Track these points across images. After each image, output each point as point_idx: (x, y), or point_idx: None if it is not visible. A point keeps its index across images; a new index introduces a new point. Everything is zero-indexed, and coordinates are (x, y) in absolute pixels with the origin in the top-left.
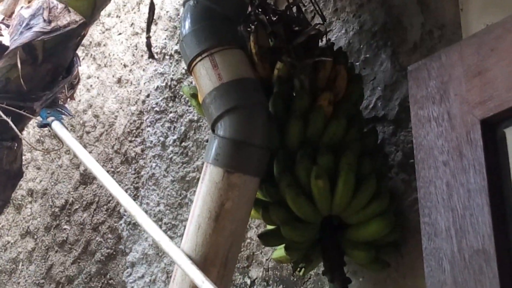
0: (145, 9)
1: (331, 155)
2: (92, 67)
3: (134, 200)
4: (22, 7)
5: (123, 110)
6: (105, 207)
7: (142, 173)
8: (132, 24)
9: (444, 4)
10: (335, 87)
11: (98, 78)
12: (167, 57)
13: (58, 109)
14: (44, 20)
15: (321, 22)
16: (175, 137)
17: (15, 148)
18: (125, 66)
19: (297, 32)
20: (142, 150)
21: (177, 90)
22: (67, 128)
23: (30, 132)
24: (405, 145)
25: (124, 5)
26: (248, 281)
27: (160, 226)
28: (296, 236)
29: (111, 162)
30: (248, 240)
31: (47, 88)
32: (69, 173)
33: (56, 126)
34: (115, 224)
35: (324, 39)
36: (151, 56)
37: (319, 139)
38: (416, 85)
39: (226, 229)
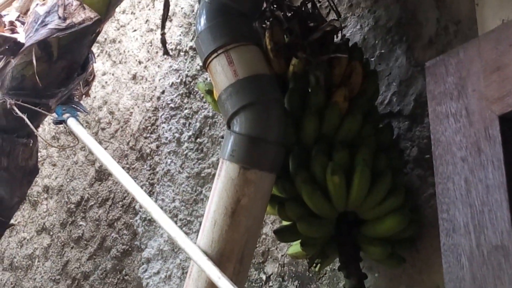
0: (159, 6)
1: (347, 151)
2: (107, 64)
3: (150, 196)
4: (37, 4)
5: (138, 107)
6: (120, 203)
7: (157, 169)
8: (147, 20)
9: None
10: (350, 83)
11: (113, 74)
12: (182, 53)
13: (73, 105)
14: (59, 17)
15: (336, 18)
16: (190, 133)
17: (31, 144)
18: (140, 62)
19: (312, 28)
20: (157, 147)
21: (192, 87)
22: (82, 125)
23: (46, 129)
24: (421, 140)
25: (139, 2)
26: (264, 277)
27: (176, 222)
28: (311, 232)
29: (126, 158)
30: (264, 236)
31: (62, 85)
32: (85, 170)
33: (72, 122)
34: (131, 220)
35: (339, 35)
36: (166, 52)
37: (334, 135)
38: (434, 81)
39: (242, 225)
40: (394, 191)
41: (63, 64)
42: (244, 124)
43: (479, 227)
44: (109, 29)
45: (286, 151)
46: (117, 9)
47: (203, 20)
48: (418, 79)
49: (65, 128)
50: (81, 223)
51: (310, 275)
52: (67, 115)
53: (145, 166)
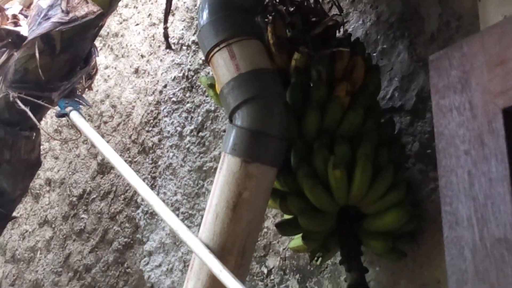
0: (162, 0)
1: (348, 146)
2: (110, 58)
3: (151, 189)
4: None
5: (140, 100)
6: (122, 196)
7: (159, 163)
8: (150, 14)
9: None
10: (352, 78)
11: (115, 68)
12: (184, 47)
13: (76, 99)
14: (62, 11)
15: (338, 13)
16: (192, 127)
17: (33, 137)
18: (142, 56)
19: (315, 23)
20: (159, 140)
21: (194, 81)
22: (85, 118)
23: (48, 122)
24: (422, 135)
25: None
26: (265, 270)
27: (177, 216)
28: (313, 226)
29: (128, 152)
30: (265, 230)
31: (65, 78)
32: (87, 163)
33: (74, 116)
34: (133, 214)
35: (341, 30)
36: (168, 46)
37: (336, 129)
38: (437, 75)
39: (243, 219)
40: (395, 186)
41: (66, 58)
42: (246, 118)
43: (482, 220)
44: (111, 23)
45: (287, 145)
46: (120, 3)
47: (205, 14)
48: (420, 74)
49: (67, 121)
50: (83, 216)
51: (312, 268)
52: (70, 108)
53: (147, 160)
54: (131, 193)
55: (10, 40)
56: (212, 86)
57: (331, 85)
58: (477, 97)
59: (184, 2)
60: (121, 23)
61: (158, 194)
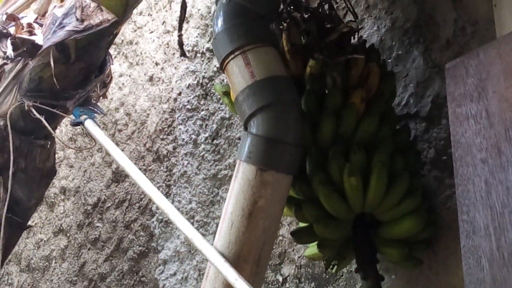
0: (176, 8)
1: (364, 153)
2: (124, 66)
3: (166, 197)
4: (55, 6)
5: (155, 108)
6: (137, 205)
7: (174, 170)
8: (164, 22)
9: (477, 0)
10: (367, 85)
11: (130, 76)
12: (198, 55)
13: (90, 107)
14: (77, 19)
15: (353, 19)
16: (206, 134)
17: (48, 146)
18: (156, 64)
19: (329, 30)
20: (174, 148)
21: (209, 88)
22: (99, 126)
23: (63, 130)
24: (438, 142)
25: (156, 4)
26: (280, 279)
27: (192, 224)
28: (328, 234)
29: (143, 160)
30: (280, 238)
31: (79, 86)
32: (101, 171)
33: (89, 124)
34: (147, 222)
35: (356, 36)
36: (182, 54)
37: (351, 136)
38: (454, 83)
39: (259, 227)
40: (411, 193)
41: (80, 66)
42: (261, 126)
43: (500, 229)
44: (126, 31)
45: (303, 153)
46: (134, 11)
47: (220, 22)
48: (435, 80)
49: (82, 129)
50: (98, 224)
51: (327, 276)
52: (85, 116)
53: (162, 168)
54: (146, 202)
55: (25, 49)
56: (227, 93)
57: (346, 92)
58: (494, 105)
59: (199, 10)
60: (135, 30)
61: (173, 202)
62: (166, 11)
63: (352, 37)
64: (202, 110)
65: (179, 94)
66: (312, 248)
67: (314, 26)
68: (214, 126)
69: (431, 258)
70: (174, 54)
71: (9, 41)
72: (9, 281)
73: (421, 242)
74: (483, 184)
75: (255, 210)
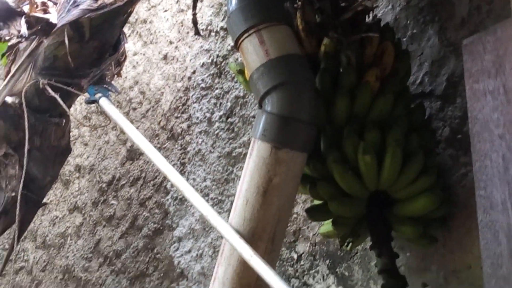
0: None
1: (378, 131)
2: (138, 44)
3: (181, 176)
4: None
5: (169, 87)
6: (151, 182)
7: (189, 149)
8: (178, 1)
9: None
10: (382, 63)
11: (144, 55)
12: (212, 33)
13: (105, 85)
14: None
15: None
16: (221, 113)
17: (63, 124)
18: (171, 43)
19: (344, 8)
20: (188, 126)
21: (223, 67)
22: (114, 105)
23: (77, 108)
24: (453, 120)
25: None
26: (295, 256)
27: (207, 202)
28: (343, 211)
29: (157, 138)
30: (295, 215)
31: (94, 65)
32: (116, 149)
33: (104, 102)
34: (162, 200)
35: (370, 15)
36: (197, 32)
37: (366, 115)
38: (471, 59)
39: (273, 204)
40: (426, 171)
41: (94, 45)
42: (276, 104)
43: None
44: (140, 10)
45: (317, 131)
46: None
47: (234, 0)
48: (450, 59)
49: (96, 108)
50: (112, 202)
51: (342, 254)
52: (99, 95)
53: (176, 146)
54: (161, 179)
55: (39, 27)
56: (241, 72)
57: (361, 71)
58: (511, 81)
59: None
60: (149, 9)
61: (187, 180)
62: None
63: (366, 16)
64: (217, 88)
65: (193, 72)
66: (326, 226)
67: (329, 4)
68: (229, 104)
69: (446, 236)
70: (188, 32)
71: (23, 20)
72: (25, 257)
73: (436, 220)
74: (500, 159)
75: (270, 188)
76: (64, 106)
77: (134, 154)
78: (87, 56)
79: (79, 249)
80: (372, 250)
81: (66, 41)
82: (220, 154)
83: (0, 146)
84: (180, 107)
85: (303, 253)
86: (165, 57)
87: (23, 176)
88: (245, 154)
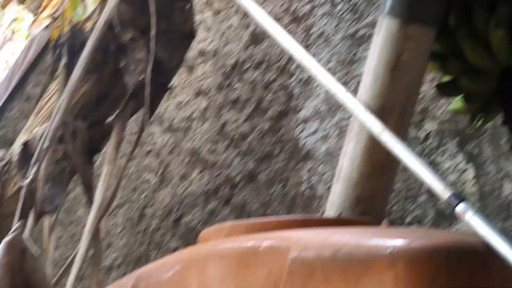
0: None
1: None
2: None
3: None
4: None
5: None
6: (276, 65)
7: (312, 31)
8: None
9: None
10: None
11: None
12: None
13: None
14: None
15: None
16: None
17: (187, 8)
18: None
19: None
20: (312, 8)
21: None
22: None
23: None
24: None
25: None
26: (422, 135)
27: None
28: (474, 87)
29: (280, 21)
30: (422, 95)
31: None
32: (239, 33)
33: None
34: (286, 82)
35: None
36: None
37: None
38: None
39: (403, 81)
40: None
41: None
42: None
43: None
44: None
45: (447, 5)
46: None
47: None
48: None
49: None
50: (236, 85)
51: (471, 132)
52: None
53: (299, 29)
54: (285, 62)
55: None
56: None
57: None
58: None
59: None
60: None
61: None
62: None
63: None
64: None
65: None
66: (457, 102)
67: None
68: None
69: None
70: None
71: None
72: (153, 141)
73: None
74: None
75: (399, 64)
76: None
77: (257, 37)
78: None
79: (205, 132)
80: (503, 126)
81: None
82: (344, 35)
83: (127, 30)
84: None
85: (430, 131)
86: None
87: (150, 59)
88: (370, 35)
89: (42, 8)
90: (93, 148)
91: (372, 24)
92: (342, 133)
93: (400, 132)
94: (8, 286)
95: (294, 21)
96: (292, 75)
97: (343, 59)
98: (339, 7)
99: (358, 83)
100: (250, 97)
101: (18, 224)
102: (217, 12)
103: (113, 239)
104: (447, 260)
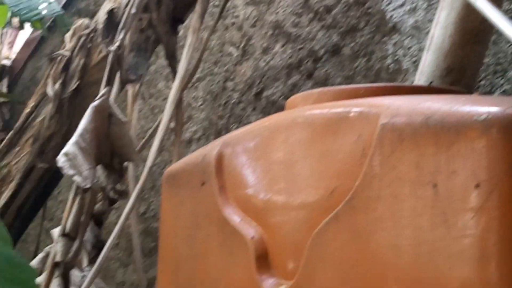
0: None
1: None
2: None
3: None
4: None
5: None
6: None
7: None
8: None
9: None
10: None
11: None
12: None
13: None
14: None
15: None
16: None
17: None
18: None
19: None
20: None
21: None
22: None
23: None
24: None
25: None
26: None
27: None
28: None
29: None
30: None
31: None
32: None
33: None
34: None
35: None
36: None
37: None
38: None
39: None
40: None
41: None
42: None
43: None
44: None
45: None
46: None
47: None
48: None
49: None
50: None
51: None
52: None
53: None
54: None
55: None
56: None
57: None
58: None
59: None
60: None
61: None
62: None
63: None
64: None
65: None
66: None
67: None
68: None
69: None
70: None
71: None
72: (235, 14)
73: None
74: None
75: None
76: None
77: None
78: None
79: (289, 5)
80: None
81: None
82: None
83: None
84: None
85: None
86: None
87: None
88: None
89: None
90: (177, 17)
91: None
92: (430, 6)
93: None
94: (95, 151)
95: None
96: None
97: None
98: None
99: None
100: None
101: (104, 90)
102: None
103: (194, 112)
104: None
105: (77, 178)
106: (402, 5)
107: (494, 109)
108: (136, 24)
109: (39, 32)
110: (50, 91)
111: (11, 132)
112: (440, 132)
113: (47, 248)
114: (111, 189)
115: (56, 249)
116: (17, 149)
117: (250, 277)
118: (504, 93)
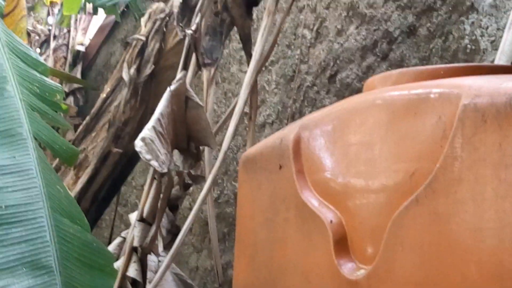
0: None
1: None
2: None
3: None
4: None
5: None
6: None
7: None
8: None
9: None
10: None
11: None
12: None
13: None
14: None
15: None
16: None
17: None
18: None
19: None
20: None
21: None
22: None
23: None
24: None
25: None
26: None
27: None
28: None
29: None
30: None
31: None
32: None
33: None
34: None
35: None
36: None
37: None
38: None
39: None
40: None
41: None
42: None
43: None
44: None
45: None
46: None
47: None
48: None
49: None
50: None
51: None
52: None
53: None
54: None
55: None
56: None
57: None
58: None
59: None
60: None
61: None
62: None
63: None
64: None
65: None
66: None
67: None
68: None
69: None
70: None
71: None
72: None
73: None
74: None
75: None
76: None
77: None
78: None
79: None
80: None
81: None
82: None
83: None
84: None
85: None
86: None
87: None
88: None
89: None
90: (251, 0)
91: None
92: None
93: None
94: (172, 135)
95: None
96: None
97: None
98: None
99: None
100: None
101: (181, 74)
102: None
103: (267, 96)
104: None
105: (154, 163)
106: None
107: None
108: (211, 7)
109: (112, 17)
110: (125, 76)
111: (87, 118)
112: None
113: (123, 234)
114: (188, 173)
115: (133, 234)
116: (93, 134)
117: (329, 262)
118: None
